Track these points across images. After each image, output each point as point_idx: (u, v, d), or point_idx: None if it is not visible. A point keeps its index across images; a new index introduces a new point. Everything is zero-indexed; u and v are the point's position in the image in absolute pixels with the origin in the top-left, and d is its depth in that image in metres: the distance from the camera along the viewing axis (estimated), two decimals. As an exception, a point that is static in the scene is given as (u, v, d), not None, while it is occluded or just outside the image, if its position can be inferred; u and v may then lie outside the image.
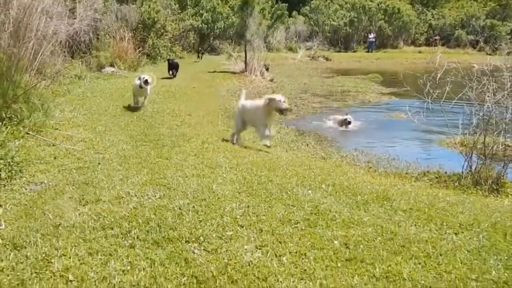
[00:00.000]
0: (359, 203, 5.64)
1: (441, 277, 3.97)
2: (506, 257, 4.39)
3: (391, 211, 5.43)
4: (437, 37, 47.69)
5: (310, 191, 5.97)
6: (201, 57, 28.12)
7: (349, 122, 13.61)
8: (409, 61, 38.46)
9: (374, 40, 46.58)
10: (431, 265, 4.16)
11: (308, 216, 5.09)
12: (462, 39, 49.57)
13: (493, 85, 8.27)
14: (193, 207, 5.17)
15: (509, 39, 47.90)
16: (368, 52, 45.71)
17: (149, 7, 22.68)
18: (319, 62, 34.71)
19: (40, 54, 9.47)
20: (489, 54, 43.23)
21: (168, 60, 19.25)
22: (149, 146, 8.00)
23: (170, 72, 18.42)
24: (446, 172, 8.34)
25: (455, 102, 9.11)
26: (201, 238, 4.45)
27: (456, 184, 7.65)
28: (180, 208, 5.14)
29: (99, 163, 6.74)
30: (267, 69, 22.67)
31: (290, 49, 39.03)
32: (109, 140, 8.12)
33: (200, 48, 29.16)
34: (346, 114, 13.76)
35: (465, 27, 50.75)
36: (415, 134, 13.05)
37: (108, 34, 19.20)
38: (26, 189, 5.69)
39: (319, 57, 36.10)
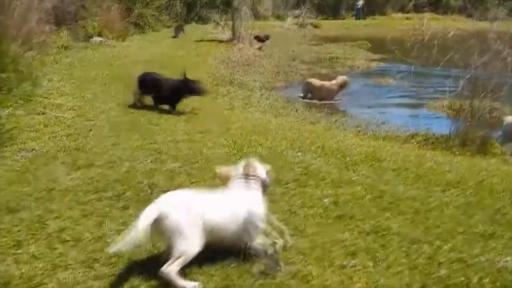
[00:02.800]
0: (348, 164, 5.72)
1: (429, 231, 4.08)
2: (492, 212, 4.52)
3: (380, 171, 5.53)
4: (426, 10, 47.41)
5: (299, 153, 6.05)
6: (182, 33, 23.56)
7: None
8: (397, 28, 38.30)
9: (361, 7, 46.26)
10: (420, 220, 4.27)
11: (298, 177, 5.17)
12: (450, 5, 49.33)
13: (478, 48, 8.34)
14: (185, 170, 5.24)
15: (497, 3, 47.86)
16: (356, 19, 45.42)
17: (134, -26, 22.40)
18: (307, 30, 34.41)
19: (26, 23, 9.38)
20: (480, 20, 43.23)
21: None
22: (139, 113, 8.02)
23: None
24: (434, 134, 8.42)
25: (441, 66, 9.17)
26: (193, 199, 4.51)
27: (444, 145, 7.75)
28: (171, 172, 5.20)
29: (90, 130, 6.78)
30: (266, 39, 22.09)
31: (278, 17, 38.65)
32: (99, 108, 8.12)
33: (180, 25, 24.71)
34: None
35: (453, -8, 50.53)
36: (404, 98, 13.13)
37: (94, 3, 18.95)
38: (17, 156, 5.71)
39: (307, 24, 35.76)
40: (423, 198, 4.73)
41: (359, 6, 45.91)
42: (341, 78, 12.88)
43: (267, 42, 21.86)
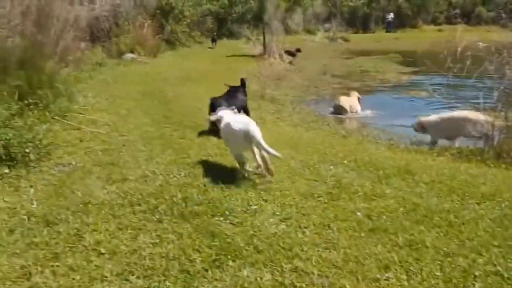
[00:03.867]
0: (381, 177, 5.70)
1: (464, 244, 4.03)
2: (528, 225, 4.44)
3: (413, 184, 5.49)
4: (457, 10, 46.89)
5: (332, 167, 6.05)
6: (215, 44, 26.65)
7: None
8: (429, 40, 38.02)
9: (392, 20, 46.10)
10: (454, 233, 4.22)
11: (331, 190, 5.18)
12: (483, 16, 48.73)
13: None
14: (218, 183, 5.28)
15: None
16: (387, 32, 45.27)
17: (166, -8, 22.76)
18: (338, 44, 34.53)
19: (62, 40, 9.61)
20: (512, 31, 42.63)
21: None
22: (171, 128, 8.11)
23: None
24: (468, 147, 8.32)
25: (476, 76, 9.07)
26: (226, 212, 4.55)
27: (478, 158, 7.63)
28: (205, 185, 5.25)
29: (124, 145, 6.89)
30: (297, 51, 22.17)
31: (309, 32, 38.75)
32: (133, 123, 8.25)
33: (214, 34, 28.34)
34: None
35: (486, 3, 49.88)
36: (437, 111, 12.96)
37: (127, 21, 19.31)
38: (54, 170, 5.85)
39: (337, 38, 35.92)
40: (457, 211, 4.69)
41: (390, 19, 45.73)
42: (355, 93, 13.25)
43: (298, 55, 21.90)
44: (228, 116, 5.99)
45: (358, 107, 12.91)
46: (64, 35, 9.58)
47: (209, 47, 26.06)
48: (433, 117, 9.62)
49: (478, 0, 50.32)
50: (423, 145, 9.01)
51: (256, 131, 5.42)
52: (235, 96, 8.33)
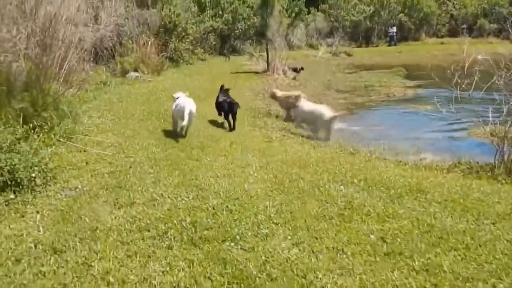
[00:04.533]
0: (393, 196, 5.61)
1: (482, 267, 3.93)
2: (547, 246, 4.33)
3: (426, 203, 5.40)
4: (464, 26, 46.95)
5: (342, 187, 5.96)
6: (229, 58, 27.84)
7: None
8: (431, 53, 38.05)
9: (395, 33, 46.18)
10: (471, 256, 4.12)
11: (342, 211, 5.08)
12: (485, 28, 48.82)
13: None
14: (227, 206, 5.20)
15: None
16: (390, 46, 45.32)
17: (170, 10, 22.73)
18: (341, 58, 34.52)
19: (67, 62, 9.57)
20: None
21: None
22: (178, 148, 8.05)
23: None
24: (478, 163, 8.22)
25: (484, 91, 9.00)
26: (237, 237, 4.46)
27: (489, 174, 7.53)
28: (214, 208, 5.17)
29: (130, 167, 6.80)
30: (301, 69, 21.99)
31: (311, 46, 38.87)
32: (139, 144, 8.17)
33: (225, 51, 28.93)
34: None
35: (488, 15, 49.98)
36: (444, 125, 12.93)
37: (131, 40, 19.32)
38: (61, 194, 5.76)
39: (340, 53, 35.91)
40: (473, 232, 4.59)
41: (393, 33, 45.79)
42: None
43: (301, 73, 21.85)
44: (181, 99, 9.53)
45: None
46: (68, 57, 9.55)
47: (224, 61, 27.16)
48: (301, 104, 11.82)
49: (480, 12, 50.34)
50: (432, 161, 8.91)
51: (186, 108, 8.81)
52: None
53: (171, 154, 7.58)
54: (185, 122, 8.69)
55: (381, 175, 6.63)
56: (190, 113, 8.85)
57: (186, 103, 9.04)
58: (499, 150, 8.03)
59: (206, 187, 5.89)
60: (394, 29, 46.24)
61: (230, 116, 10.58)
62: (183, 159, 7.29)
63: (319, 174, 6.58)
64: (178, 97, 9.73)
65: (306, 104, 12.02)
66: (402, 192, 5.76)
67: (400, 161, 8.71)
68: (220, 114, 10.98)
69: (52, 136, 7.68)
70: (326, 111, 11.11)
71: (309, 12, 44.63)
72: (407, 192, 5.76)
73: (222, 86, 12.12)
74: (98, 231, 4.66)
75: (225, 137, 9.13)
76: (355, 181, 6.22)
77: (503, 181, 7.01)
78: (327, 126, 10.99)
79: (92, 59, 14.31)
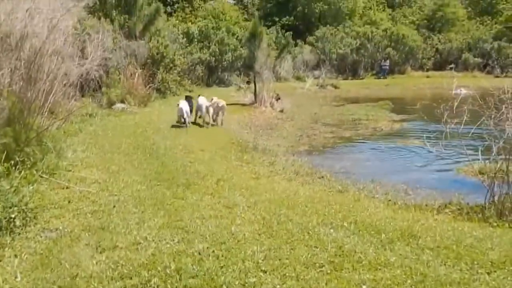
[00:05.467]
0: (384, 241, 5.46)
1: (479, 323, 3.78)
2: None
3: (418, 250, 5.25)
4: (452, 65, 47.42)
5: (332, 230, 5.81)
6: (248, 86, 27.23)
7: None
8: (417, 86, 38.38)
9: (388, 67, 46.51)
10: (467, 309, 3.97)
11: (333, 258, 4.92)
12: (469, 62, 49.40)
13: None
14: (213, 251, 5.03)
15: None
16: (381, 78, 45.53)
17: (158, 42, 22.74)
18: (328, 91, 34.62)
19: (52, 95, 9.43)
20: (497, 76, 43.18)
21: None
22: (163, 185, 7.87)
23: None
24: (468, 204, 8.11)
25: (470, 125, 8.94)
26: (224, 286, 4.28)
27: (479, 216, 7.42)
28: (199, 253, 4.99)
29: (114, 206, 6.61)
30: (277, 99, 22.52)
31: (298, 78, 38.93)
32: (123, 181, 7.98)
33: (248, 80, 28.48)
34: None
35: (472, 50, 50.63)
36: (432, 161, 12.86)
37: (118, 71, 19.22)
38: (41, 236, 5.55)
39: (327, 85, 36.01)
40: (467, 282, 4.44)
41: (386, 66, 46.15)
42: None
43: (277, 104, 21.97)
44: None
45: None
46: (54, 90, 9.41)
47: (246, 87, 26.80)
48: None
49: (465, 47, 50.99)
50: (422, 200, 8.80)
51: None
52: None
53: (157, 192, 7.39)
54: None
55: (372, 217, 6.49)
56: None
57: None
58: (489, 191, 7.93)
59: (192, 229, 5.71)
60: (388, 62, 46.61)
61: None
62: (169, 198, 7.11)
63: (308, 215, 6.42)
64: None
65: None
66: (393, 237, 5.61)
67: (389, 200, 8.58)
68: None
69: (35, 172, 7.48)
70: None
71: (296, 45, 44.96)
72: (399, 237, 5.61)
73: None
74: (78, 279, 4.45)
75: (212, 173, 8.96)
76: (345, 224, 6.07)
77: (495, 224, 6.89)
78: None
79: (78, 91, 14.13)
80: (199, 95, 16.80)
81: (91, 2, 13.38)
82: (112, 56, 18.76)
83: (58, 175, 7.90)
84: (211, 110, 15.66)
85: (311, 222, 6.10)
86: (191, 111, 15.71)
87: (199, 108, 15.93)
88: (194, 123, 15.77)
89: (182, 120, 14.94)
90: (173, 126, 14.66)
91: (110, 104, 17.48)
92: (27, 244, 5.31)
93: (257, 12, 54.08)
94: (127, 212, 6.39)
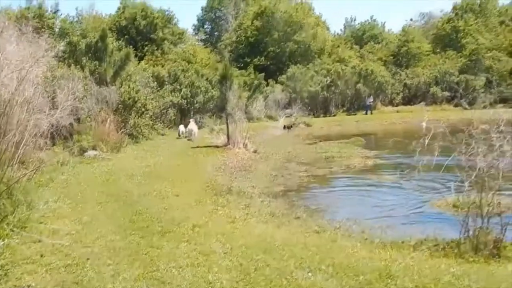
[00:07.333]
0: (363, 283, 5.46)
1: None
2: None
3: (398, 291, 5.24)
4: (423, 103, 48.31)
5: (310, 274, 5.79)
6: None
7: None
8: (388, 121, 38.97)
9: (371, 103, 47.30)
10: None
11: (312, 305, 4.87)
12: (438, 96, 50.49)
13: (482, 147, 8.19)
14: (191, 303, 4.94)
15: (483, 92, 49.08)
16: (366, 114, 46.17)
17: (129, 87, 22.80)
18: (300, 129, 34.91)
19: (22, 146, 9.32)
20: (465, 109, 44.00)
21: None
22: (138, 234, 7.76)
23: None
24: (444, 239, 8.14)
25: (443, 156, 9.04)
26: None
27: (455, 251, 7.45)
28: (177, 307, 4.90)
29: (88, 259, 6.49)
30: (290, 127, 27.16)
31: (271, 118, 39.29)
32: (97, 231, 7.86)
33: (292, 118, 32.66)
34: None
35: (439, 83, 51.78)
36: (406, 196, 12.93)
37: (90, 117, 19.15)
38: (12, 295, 5.41)
39: (299, 123, 36.32)
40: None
41: (370, 103, 47.01)
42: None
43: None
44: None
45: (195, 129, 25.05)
46: (24, 140, 9.31)
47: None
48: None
49: (432, 81, 52.16)
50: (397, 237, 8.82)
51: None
52: None
53: (131, 242, 7.29)
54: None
55: (349, 258, 6.48)
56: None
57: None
58: (464, 225, 7.98)
59: (169, 280, 5.63)
60: (371, 98, 47.43)
61: None
62: (144, 247, 7.01)
63: (285, 260, 6.38)
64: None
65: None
66: (372, 278, 5.60)
67: (366, 239, 8.58)
68: None
69: (5, 226, 7.35)
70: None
71: (268, 84, 45.47)
72: (377, 278, 5.60)
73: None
74: None
75: (187, 219, 8.87)
76: (323, 267, 6.04)
77: (471, 259, 6.92)
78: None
79: (49, 140, 13.99)
80: (189, 120, 25.73)
81: (60, 51, 13.39)
82: (83, 103, 18.68)
83: (29, 228, 7.75)
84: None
85: (288, 266, 6.07)
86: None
87: (189, 132, 24.61)
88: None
89: (189, 137, 24.11)
90: (147, 172, 14.56)
91: (82, 151, 17.32)
92: (-2, 304, 5.17)
93: (230, 54, 54.82)
94: (102, 264, 6.27)
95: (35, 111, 9.75)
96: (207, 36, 73.28)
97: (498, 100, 45.21)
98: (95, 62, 23.21)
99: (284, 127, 33.21)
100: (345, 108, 49.27)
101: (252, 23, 57.35)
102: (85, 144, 17.69)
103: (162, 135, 26.14)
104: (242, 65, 50.80)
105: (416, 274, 5.79)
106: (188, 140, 23.90)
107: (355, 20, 77.43)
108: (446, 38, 62.30)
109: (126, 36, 45.22)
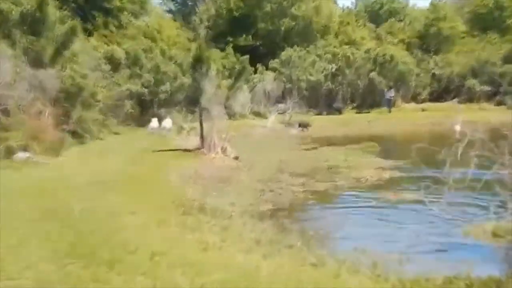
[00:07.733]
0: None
1: None
2: None
3: None
4: (456, 100, 48.42)
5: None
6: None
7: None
8: (410, 122, 38.99)
9: (392, 98, 47.16)
10: None
11: None
12: (475, 91, 50.16)
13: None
14: None
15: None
16: (390, 112, 46.06)
17: (74, 70, 22.69)
18: (296, 130, 34.95)
19: None
20: (510, 108, 43.84)
21: None
22: (79, 264, 7.67)
23: None
24: (479, 277, 8.14)
25: (483, 179, 9.06)
26: None
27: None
28: None
29: (10, 298, 6.42)
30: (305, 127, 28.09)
31: (258, 114, 39.31)
32: (25, 259, 7.77)
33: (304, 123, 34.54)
34: None
35: (478, 75, 51.25)
36: (432, 220, 12.93)
37: (20, 109, 19.01)
38: None
39: (295, 122, 36.35)
40: None
41: (390, 97, 46.85)
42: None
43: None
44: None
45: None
46: None
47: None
48: None
49: (468, 72, 51.85)
50: (421, 274, 8.82)
51: None
52: None
53: (70, 274, 7.21)
54: None
55: (356, 302, 6.46)
56: None
57: None
58: (507, 259, 7.99)
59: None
60: (392, 92, 47.21)
61: None
62: (86, 282, 6.94)
63: (273, 301, 6.36)
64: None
65: None
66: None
67: (379, 275, 8.57)
68: None
69: None
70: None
71: (255, 71, 45.39)
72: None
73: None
74: None
75: (145, 245, 8.80)
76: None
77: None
78: None
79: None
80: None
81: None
82: (12, 91, 18.54)
83: None
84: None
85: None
86: None
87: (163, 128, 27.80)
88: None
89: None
90: (95, 182, 14.48)
91: (9, 153, 17.19)
92: None
93: (207, 30, 54.48)
94: (30, 305, 6.21)
95: None
96: (178, 6, 72.92)
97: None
98: (30, 37, 23.07)
99: (299, 125, 35.14)
100: (355, 104, 49.27)
101: (237, -9, 57.33)
102: (14, 143, 17.55)
103: (116, 134, 26.06)
104: (223, 45, 50.57)
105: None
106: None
107: (370, -10, 77.46)
108: (487, 16, 61.97)
109: (72, 4, 44.98)
